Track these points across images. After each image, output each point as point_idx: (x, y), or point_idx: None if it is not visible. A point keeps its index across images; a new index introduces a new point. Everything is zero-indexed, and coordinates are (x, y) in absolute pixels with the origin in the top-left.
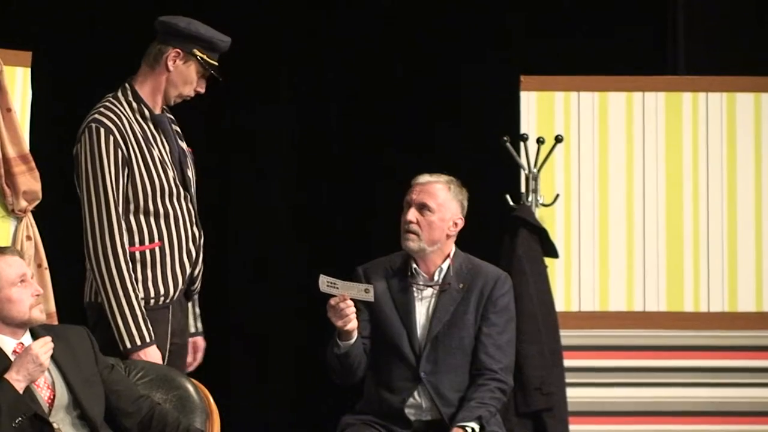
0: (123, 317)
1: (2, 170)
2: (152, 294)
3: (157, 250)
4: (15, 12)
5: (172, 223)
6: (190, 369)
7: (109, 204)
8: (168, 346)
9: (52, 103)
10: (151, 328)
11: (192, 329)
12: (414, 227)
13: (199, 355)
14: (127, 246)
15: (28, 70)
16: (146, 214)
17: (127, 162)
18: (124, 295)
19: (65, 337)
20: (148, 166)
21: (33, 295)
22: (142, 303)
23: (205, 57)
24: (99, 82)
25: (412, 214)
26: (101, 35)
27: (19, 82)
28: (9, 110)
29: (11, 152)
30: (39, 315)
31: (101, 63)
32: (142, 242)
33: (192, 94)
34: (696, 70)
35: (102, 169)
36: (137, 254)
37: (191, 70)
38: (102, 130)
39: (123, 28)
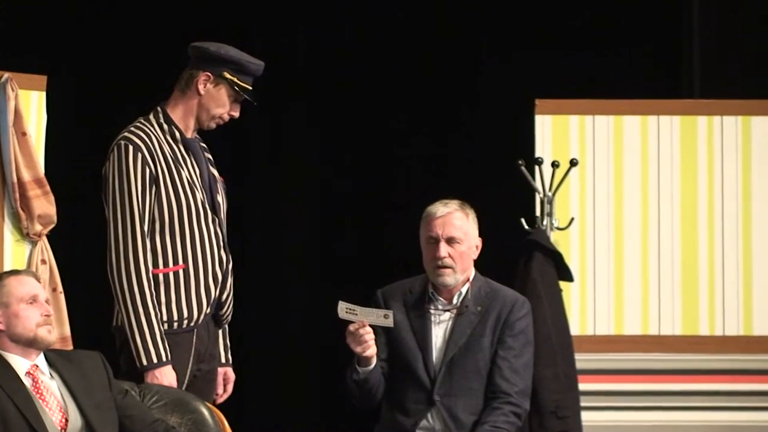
0: (141, 335)
1: (17, 194)
2: (176, 317)
3: (181, 272)
4: (30, 36)
5: (198, 246)
6: (220, 401)
7: (134, 221)
8: (191, 371)
9: (67, 127)
10: (168, 349)
11: (222, 360)
12: (448, 261)
13: (230, 387)
14: (150, 266)
15: (43, 94)
16: (172, 234)
17: (154, 180)
18: (144, 313)
19: (79, 362)
20: (176, 185)
21: (42, 315)
22: (165, 325)
23: (235, 80)
24: (115, 106)
25: (443, 250)
26: (116, 60)
27: (34, 106)
28: (24, 134)
29: (26, 176)
30: (46, 335)
31: (117, 87)
32: (166, 264)
33: (226, 118)
34: (711, 94)
35: (129, 185)
36: (161, 276)
37: (222, 94)
38: (131, 147)
39: (138, 52)
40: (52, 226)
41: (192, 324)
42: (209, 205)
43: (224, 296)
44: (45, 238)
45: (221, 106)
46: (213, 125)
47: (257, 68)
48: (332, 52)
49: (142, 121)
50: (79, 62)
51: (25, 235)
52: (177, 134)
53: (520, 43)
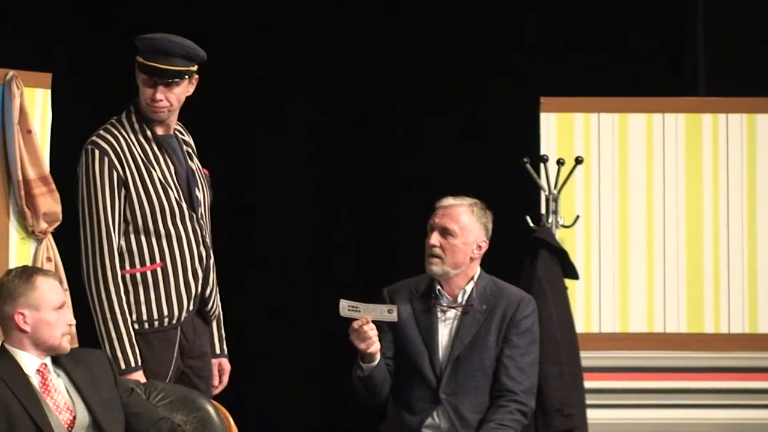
0: (110, 340)
1: (22, 192)
2: (156, 315)
3: (159, 270)
4: (35, 34)
5: (175, 244)
6: (216, 392)
7: (101, 226)
8: (174, 367)
9: (72, 124)
10: (138, 354)
11: (217, 351)
12: (437, 251)
13: (225, 378)
14: (118, 269)
15: (48, 92)
16: (146, 234)
17: (124, 183)
18: (111, 318)
19: (84, 360)
20: (146, 186)
21: (67, 324)
22: (146, 324)
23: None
24: (120, 103)
25: (434, 239)
26: (122, 58)
27: (39, 103)
28: (29, 132)
29: (31, 174)
30: (67, 345)
31: (123, 85)
32: (142, 263)
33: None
34: (716, 91)
35: (95, 190)
36: (138, 275)
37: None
38: (97, 152)
39: None
40: (58, 223)
41: (174, 322)
42: (186, 202)
43: (207, 292)
44: (50, 236)
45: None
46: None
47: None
48: (337, 46)
49: (114, 122)
50: (84, 60)
51: (30, 233)
52: (148, 132)
53: (525, 41)
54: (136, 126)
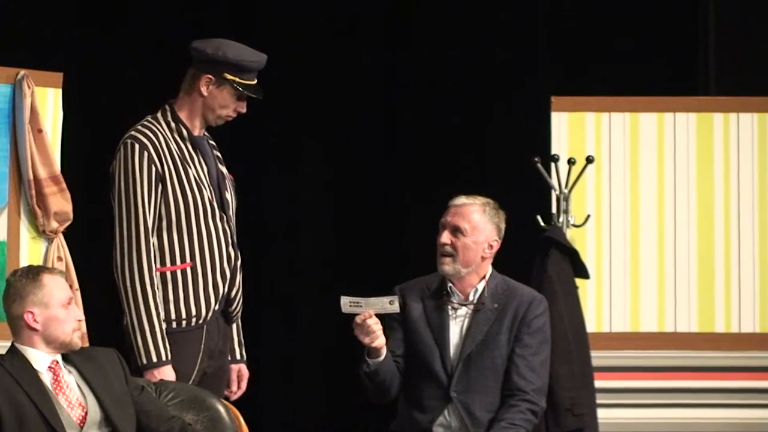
0: (142, 333)
1: (33, 191)
2: (184, 315)
3: (188, 270)
4: (47, 33)
5: (206, 243)
6: (234, 397)
7: (139, 220)
8: (200, 367)
9: (83, 124)
10: (168, 348)
11: (237, 356)
12: (448, 249)
13: (243, 384)
14: (153, 263)
15: (60, 91)
16: (179, 232)
17: (161, 178)
18: (145, 311)
19: (95, 357)
20: (183, 184)
21: (76, 320)
22: (174, 323)
23: (236, 79)
24: (130, 104)
25: (445, 237)
26: (132, 57)
27: (51, 103)
28: (40, 131)
29: (42, 173)
30: (78, 341)
31: (133, 85)
32: (173, 262)
33: (233, 115)
34: (727, 91)
35: (134, 183)
36: (168, 274)
37: (225, 94)
38: (137, 146)
39: (154, 50)
40: (68, 223)
41: (201, 321)
42: (217, 203)
43: (233, 293)
44: (61, 236)
45: (225, 106)
46: (221, 122)
47: (257, 65)
48: (349, 51)
49: (150, 119)
50: (95, 59)
51: (41, 232)
52: (185, 132)
53: (536, 40)
54: (173, 125)
